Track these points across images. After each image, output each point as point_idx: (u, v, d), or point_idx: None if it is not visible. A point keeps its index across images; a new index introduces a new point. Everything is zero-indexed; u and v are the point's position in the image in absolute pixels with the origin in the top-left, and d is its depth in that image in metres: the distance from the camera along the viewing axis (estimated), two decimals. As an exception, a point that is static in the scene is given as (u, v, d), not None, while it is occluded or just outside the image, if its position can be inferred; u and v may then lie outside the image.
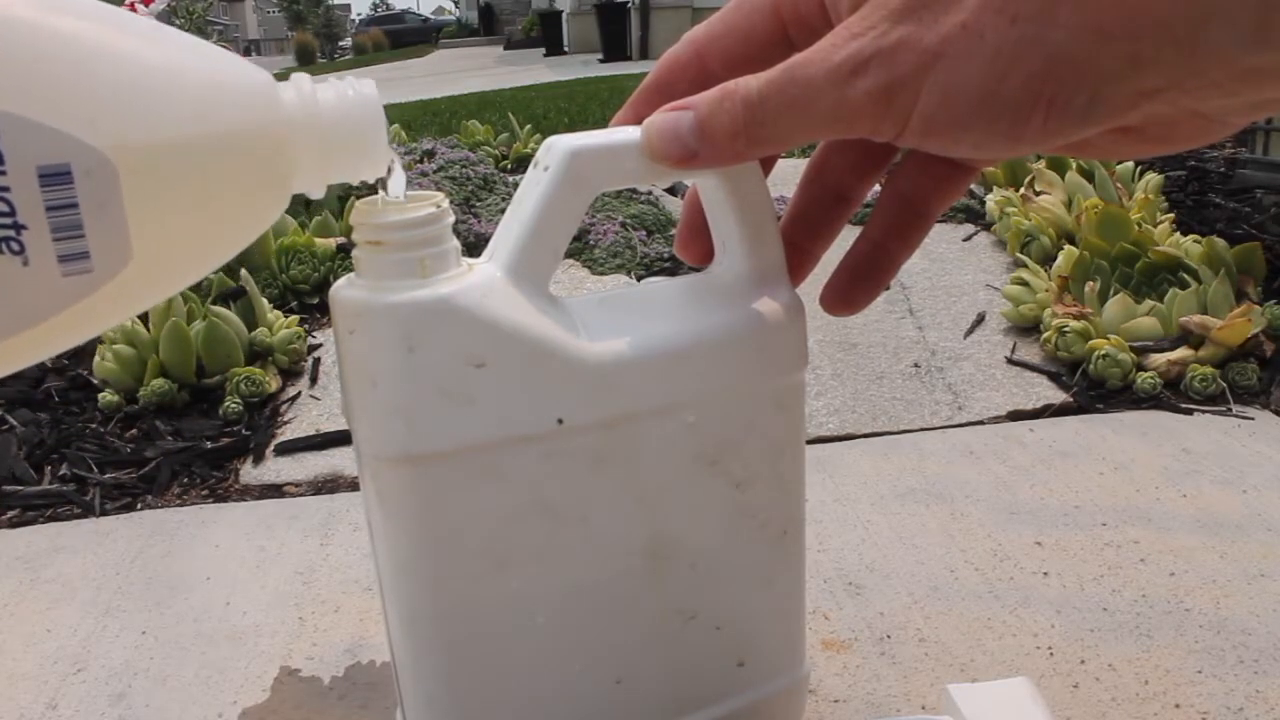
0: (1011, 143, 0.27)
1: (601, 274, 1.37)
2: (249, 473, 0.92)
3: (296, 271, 1.31)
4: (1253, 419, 0.89)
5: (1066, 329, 1.01)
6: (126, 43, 0.28)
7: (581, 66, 7.61)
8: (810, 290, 0.38)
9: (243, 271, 1.19)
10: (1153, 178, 1.39)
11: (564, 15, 10.99)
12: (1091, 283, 1.07)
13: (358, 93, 0.31)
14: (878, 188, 0.38)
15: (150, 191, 0.27)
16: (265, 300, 1.18)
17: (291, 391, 1.08)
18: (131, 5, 1.74)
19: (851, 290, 0.38)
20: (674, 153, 0.32)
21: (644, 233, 1.47)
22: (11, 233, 0.26)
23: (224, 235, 0.30)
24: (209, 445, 0.96)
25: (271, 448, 0.96)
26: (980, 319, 1.16)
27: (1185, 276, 1.06)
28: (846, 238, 0.38)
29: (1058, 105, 0.26)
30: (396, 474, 0.34)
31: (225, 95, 0.29)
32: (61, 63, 0.26)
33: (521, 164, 2.03)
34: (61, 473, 0.92)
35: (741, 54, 0.34)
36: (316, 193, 0.32)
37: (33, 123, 0.26)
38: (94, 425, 1.01)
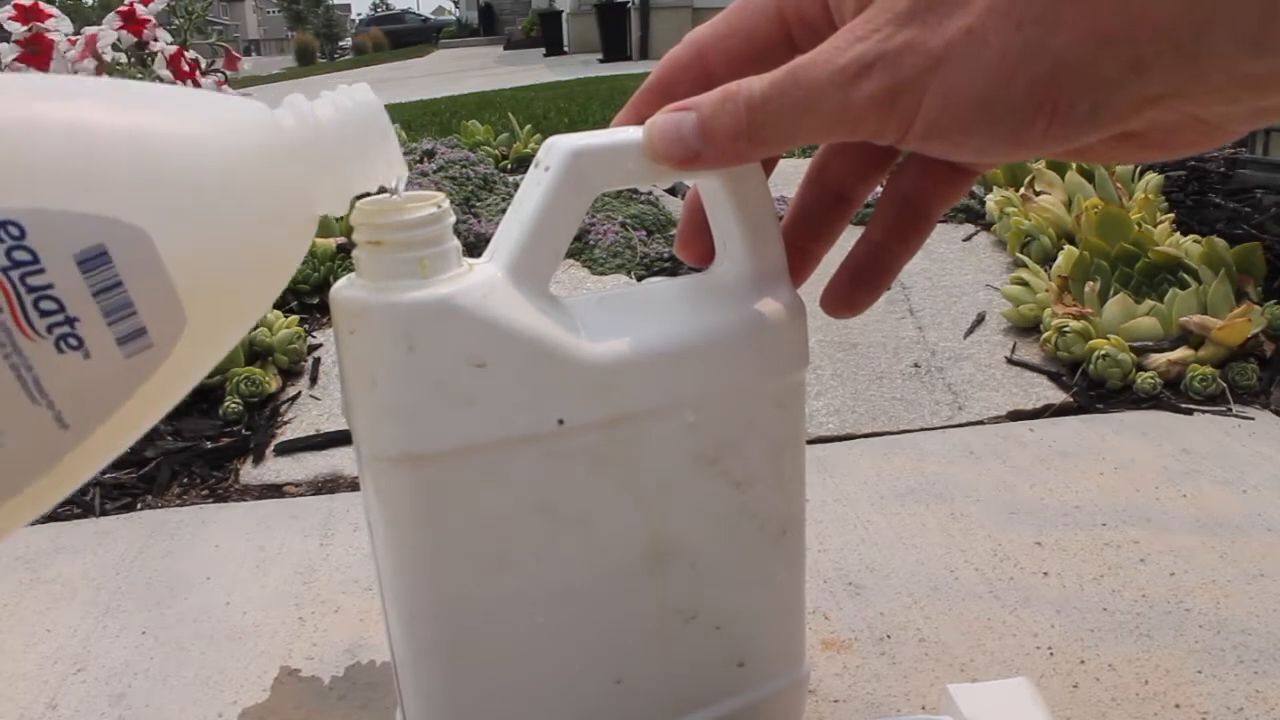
0: (1014, 147, 0.27)
1: (601, 274, 1.37)
2: (249, 473, 0.92)
3: (296, 271, 1.31)
4: (1253, 419, 0.89)
5: (1066, 329, 1.01)
6: (125, 112, 0.28)
7: (581, 66, 7.61)
8: (811, 290, 0.38)
9: (243, 271, 1.19)
10: (1153, 178, 1.39)
11: (564, 15, 10.99)
12: (1091, 283, 1.07)
13: (356, 101, 0.31)
14: (879, 189, 0.38)
15: (186, 251, 0.27)
16: (265, 300, 1.17)
17: (291, 391, 1.08)
18: (131, 6, 1.74)
19: (852, 292, 0.38)
20: (676, 153, 0.32)
21: (644, 233, 1.47)
22: (66, 328, 0.26)
23: (265, 275, 0.30)
24: (209, 445, 0.96)
25: (271, 448, 0.96)
26: (980, 319, 1.16)
27: (1185, 276, 1.06)
28: (847, 239, 0.38)
29: (1061, 110, 0.26)
30: (396, 474, 0.34)
31: (232, 141, 0.29)
32: (69, 146, 0.26)
33: (521, 164, 2.03)
34: (61, 473, 0.92)
35: (744, 55, 0.34)
36: (340, 210, 0.32)
37: (57, 212, 0.25)
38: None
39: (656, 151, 0.32)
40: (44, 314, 0.26)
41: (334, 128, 0.30)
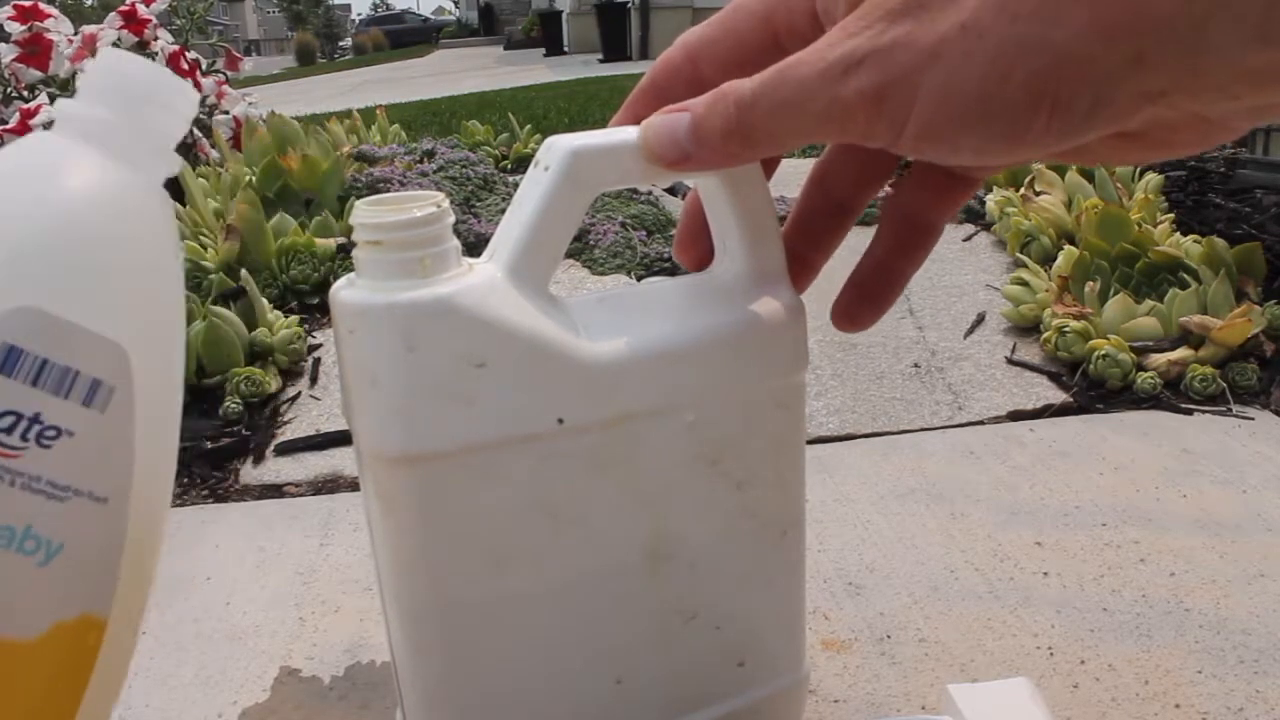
0: (1013, 145, 0.27)
1: (601, 274, 1.37)
2: (249, 473, 0.92)
3: (296, 271, 1.31)
4: (1253, 419, 0.89)
5: (1066, 329, 1.01)
6: None
7: (581, 66, 7.61)
8: (813, 293, 0.38)
9: (243, 272, 1.19)
10: (1153, 178, 1.39)
11: (564, 15, 10.99)
12: (1091, 283, 1.07)
13: (115, 73, 0.31)
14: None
15: (74, 295, 0.28)
16: (265, 300, 1.18)
17: (291, 391, 1.08)
18: (132, 6, 1.74)
19: (858, 309, 0.38)
20: (669, 154, 0.32)
21: (644, 233, 1.47)
22: (37, 426, 0.27)
23: (153, 257, 0.31)
24: (209, 445, 0.96)
25: (271, 448, 0.96)
26: (980, 319, 1.16)
27: (1185, 276, 1.06)
28: (859, 245, 0.38)
29: (1061, 106, 0.25)
30: (396, 474, 0.34)
31: (45, 183, 0.29)
32: None
33: (521, 164, 2.03)
34: (61, 473, 0.92)
35: (734, 59, 0.34)
36: (172, 166, 0.32)
37: None
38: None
39: (650, 152, 0.32)
40: (9, 430, 0.26)
41: (115, 114, 0.30)
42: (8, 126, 1.46)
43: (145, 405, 0.29)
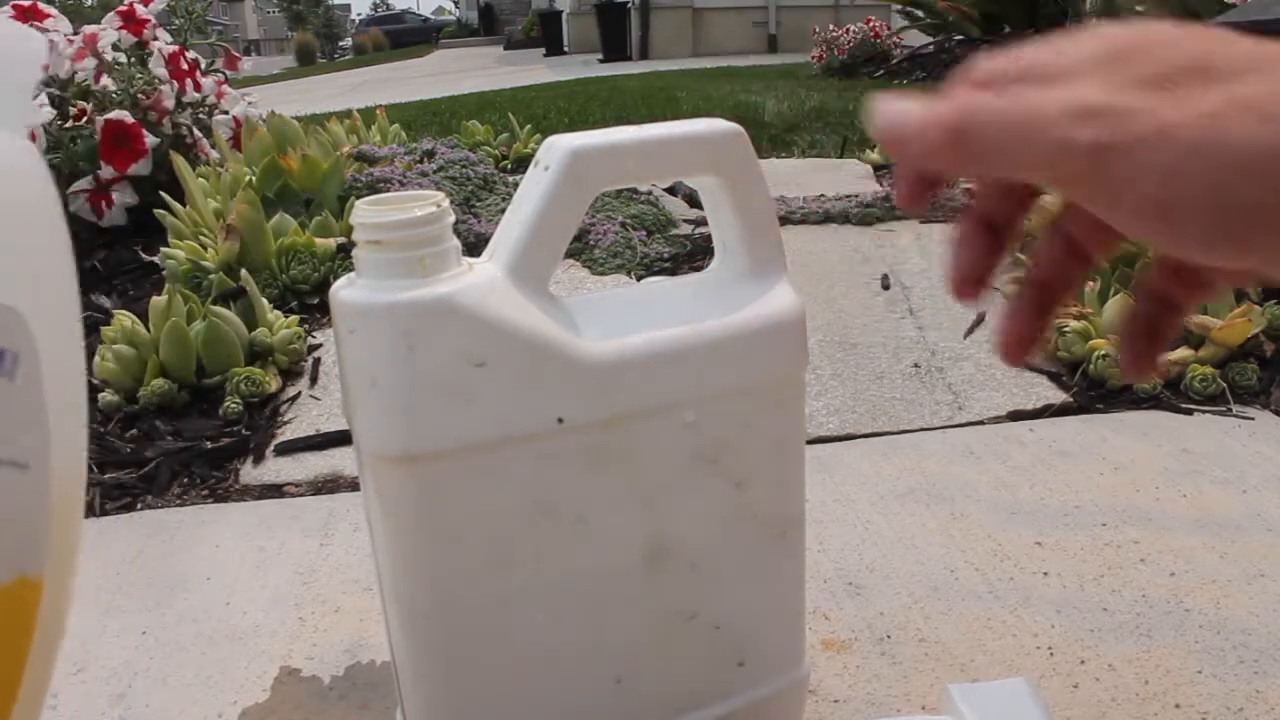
0: (1238, 248, 0.25)
1: (601, 274, 1.37)
2: (249, 473, 0.92)
3: (296, 271, 1.31)
4: (1253, 419, 0.89)
5: (1066, 329, 1.01)
6: None
7: (581, 66, 7.60)
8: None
9: (243, 272, 1.19)
10: (1153, 178, 1.39)
11: (564, 15, 10.99)
12: (1091, 283, 1.07)
13: None
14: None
15: None
16: (265, 300, 1.18)
17: (291, 391, 1.08)
18: (131, 6, 1.74)
19: (1147, 352, 0.37)
20: (887, 129, 0.30)
21: (644, 233, 1.47)
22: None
23: (31, 216, 0.30)
24: (209, 445, 0.96)
25: (271, 448, 0.96)
26: (980, 319, 1.16)
27: (1185, 276, 1.06)
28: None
29: None
30: (397, 473, 0.34)
31: None
32: None
33: (521, 164, 2.03)
34: (61, 473, 0.92)
35: None
36: (36, 116, 0.31)
37: None
38: (94, 425, 1.01)
39: (877, 123, 0.31)
40: None
41: None
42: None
43: (50, 367, 0.28)
